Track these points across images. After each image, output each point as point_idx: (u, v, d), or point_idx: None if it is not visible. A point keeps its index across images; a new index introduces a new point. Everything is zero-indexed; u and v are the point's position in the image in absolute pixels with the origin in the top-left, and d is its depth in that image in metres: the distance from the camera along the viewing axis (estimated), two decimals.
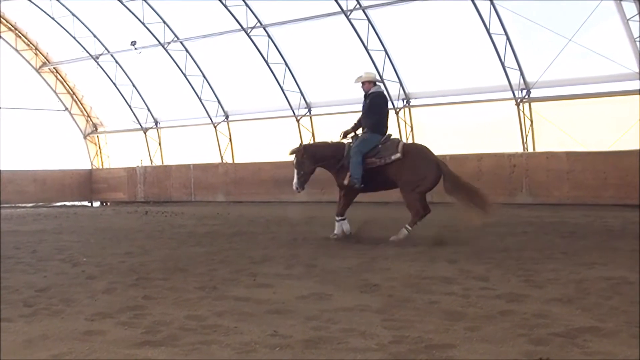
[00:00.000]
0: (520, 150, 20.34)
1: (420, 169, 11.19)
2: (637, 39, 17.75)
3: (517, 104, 20.51)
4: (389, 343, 4.74)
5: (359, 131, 11.59)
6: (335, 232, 11.52)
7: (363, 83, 11.59)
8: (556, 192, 18.73)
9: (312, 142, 24.88)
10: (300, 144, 12.25)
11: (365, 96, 11.57)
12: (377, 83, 11.82)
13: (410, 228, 11.03)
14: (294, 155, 11.78)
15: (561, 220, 14.01)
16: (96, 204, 30.99)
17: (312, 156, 11.71)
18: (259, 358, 4.46)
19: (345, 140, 11.68)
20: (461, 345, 4.64)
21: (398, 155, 11.16)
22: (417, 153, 11.41)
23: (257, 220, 16.48)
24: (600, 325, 5.06)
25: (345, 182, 11.38)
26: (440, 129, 22.20)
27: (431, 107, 22.56)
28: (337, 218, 11.58)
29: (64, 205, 29.62)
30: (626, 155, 17.56)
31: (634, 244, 9.82)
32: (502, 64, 20.12)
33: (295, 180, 11.70)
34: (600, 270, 7.51)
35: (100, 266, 8.91)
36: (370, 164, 11.22)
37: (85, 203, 30.91)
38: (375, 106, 11.48)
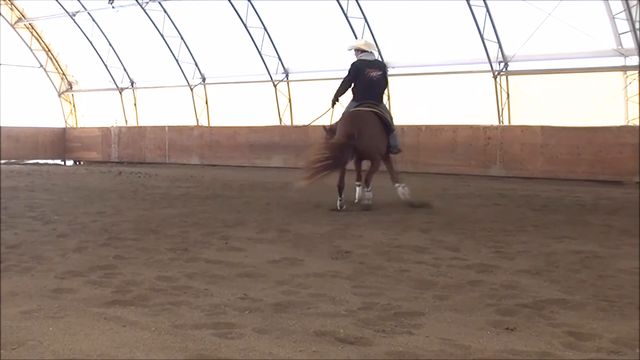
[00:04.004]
0: (495, 122, 20.41)
1: None
2: (616, 16, 17.81)
3: (495, 77, 20.53)
4: (358, 309, 4.77)
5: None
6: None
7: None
8: (530, 166, 18.86)
9: (291, 108, 24.89)
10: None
11: None
12: (365, 51, 11.67)
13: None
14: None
15: (533, 194, 14.11)
16: (69, 162, 30.78)
17: None
18: (229, 320, 4.47)
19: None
20: (430, 313, 4.68)
21: None
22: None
23: (231, 184, 16.46)
24: (568, 297, 5.12)
25: None
26: (417, 99, 22.19)
27: (408, 77, 22.50)
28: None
29: (37, 163, 29.39)
30: (600, 131, 17.69)
31: (605, 219, 9.94)
32: (481, 36, 20.10)
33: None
34: (570, 244, 7.59)
35: (72, 225, 8.89)
36: None
37: (59, 161, 30.69)
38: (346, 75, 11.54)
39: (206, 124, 27.31)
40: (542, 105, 19.54)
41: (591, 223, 9.54)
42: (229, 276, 5.83)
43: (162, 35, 26.75)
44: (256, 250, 7.09)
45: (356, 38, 21.51)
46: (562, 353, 3.92)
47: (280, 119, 25.18)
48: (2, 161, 28.14)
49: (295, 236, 8.07)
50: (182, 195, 13.37)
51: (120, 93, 29.81)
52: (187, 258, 6.61)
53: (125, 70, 29.30)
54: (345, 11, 22.07)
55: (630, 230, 8.67)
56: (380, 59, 11.73)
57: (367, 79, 11.36)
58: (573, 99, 19.34)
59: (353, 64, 11.45)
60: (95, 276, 5.77)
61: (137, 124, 29.54)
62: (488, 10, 19.81)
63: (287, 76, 25.02)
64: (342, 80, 11.53)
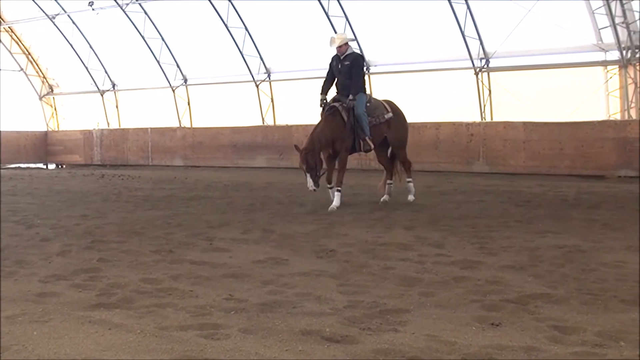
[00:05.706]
0: (478, 119, 20.46)
1: (406, 127, 12.06)
2: (596, 12, 17.89)
3: (476, 74, 20.59)
4: (344, 307, 4.77)
5: (330, 95, 11.52)
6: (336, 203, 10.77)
7: (340, 46, 11.24)
8: (512, 162, 18.90)
9: (273, 108, 24.84)
10: (308, 145, 10.84)
11: (341, 58, 11.21)
12: (349, 43, 11.68)
13: (412, 179, 11.97)
14: (303, 158, 10.71)
15: (516, 189, 14.16)
16: (51, 166, 30.59)
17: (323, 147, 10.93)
18: (214, 321, 4.47)
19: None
20: (415, 310, 4.69)
21: (390, 114, 11.55)
22: (401, 112, 11.96)
23: (215, 184, 16.42)
24: (552, 292, 5.15)
25: (372, 146, 11.16)
26: (399, 97, 22.07)
27: (391, 75, 22.54)
28: (338, 188, 10.92)
29: (19, 167, 29.21)
30: (582, 125, 17.74)
31: (587, 213, 9.98)
32: (462, 33, 20.15)
33: (310, 182, 10.69)
34: (553, 239, 7.62)
35: (55, 228, 8.84)
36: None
37: (41, 165, 30.51)
38: (360, 67, 11.43)
39: (189, 125, 27.23)
40: (523, 101, 19.60)
41: (574, 217, 9.58)
42: (214, 277, 5.82)
43: (142, 37, 26.63)
44: (241, 251, 7.09)
45: None
46: (547, 347, 3.94)
47: (262, 119, 25.15)
48: None
49: (280, 236, 8.07)
50: (165, 197, 13.33)
51: (102, 95, 29.67)
52: (172, 259, 6.59)
53: (106, 72, 29.17)
54: (327, 10, 22.07)
55: (612, 224, 8.73)
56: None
57: None
58: (554, 94, 19.41)
59: (363, 55, 11.64)
60: (80, 279, 5.75)
61: (119, 126, 29.41)
62: (469, 7, 19.86)
63: (269, 76, 24.99)
64: (363, 70, 11.72)
